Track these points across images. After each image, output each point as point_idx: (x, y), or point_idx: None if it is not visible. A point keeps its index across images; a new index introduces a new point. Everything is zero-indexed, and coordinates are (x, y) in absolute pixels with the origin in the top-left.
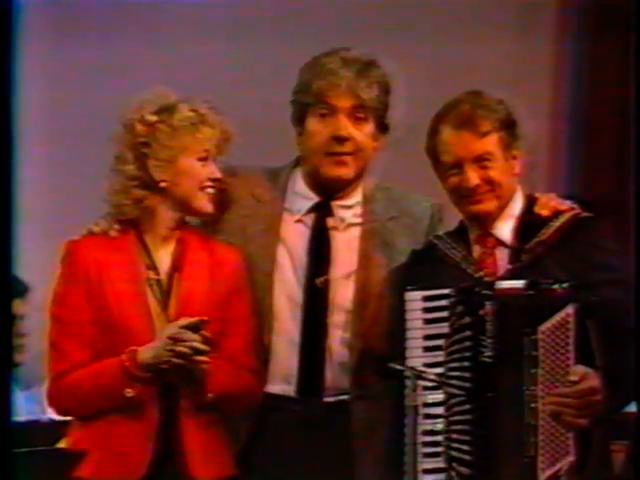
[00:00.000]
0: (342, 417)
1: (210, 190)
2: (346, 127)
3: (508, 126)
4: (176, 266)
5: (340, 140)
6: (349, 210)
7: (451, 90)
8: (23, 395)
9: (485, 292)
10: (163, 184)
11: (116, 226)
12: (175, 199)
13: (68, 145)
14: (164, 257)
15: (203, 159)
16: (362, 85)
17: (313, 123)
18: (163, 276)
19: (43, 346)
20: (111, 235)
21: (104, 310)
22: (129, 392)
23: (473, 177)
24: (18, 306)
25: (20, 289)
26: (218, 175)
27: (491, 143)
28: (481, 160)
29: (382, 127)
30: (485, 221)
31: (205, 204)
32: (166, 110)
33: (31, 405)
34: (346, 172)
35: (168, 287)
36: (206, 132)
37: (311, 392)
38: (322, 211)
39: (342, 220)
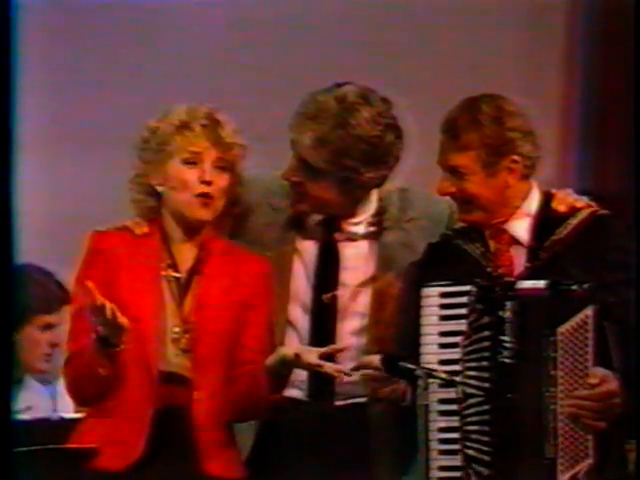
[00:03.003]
0: (352, 421)
1: (203, 195)
2: (293, 174)
3: (493, 147)
4: (197, 269)
5: (287, 181)
6: (358, 225)
7: (460, 90)
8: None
9: (506, 291)
10: (159, 188)
11: (144, 227)
12: (171, 204)
13: (69, 145)
14: (186, 259)
15: (190, 162)
16: (313, 145)
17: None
18: (183, 275)
19: None
20: (136, 232)
21: (116, 297)
22: (102, 371)
23: (443, 186)
24: (59, 317)
25: (64, 300)
26: (207, 177)
27: (468, 158)
28: (456, 172)
29: (351, 185)
30: (482, 227)
31: (197, 211)
32: (164, 115)
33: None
34: (302, 207)
35: (186, 285)
36: (190, 136)
37: (321, 396)
38: (330, 226)
39: (353, 234)
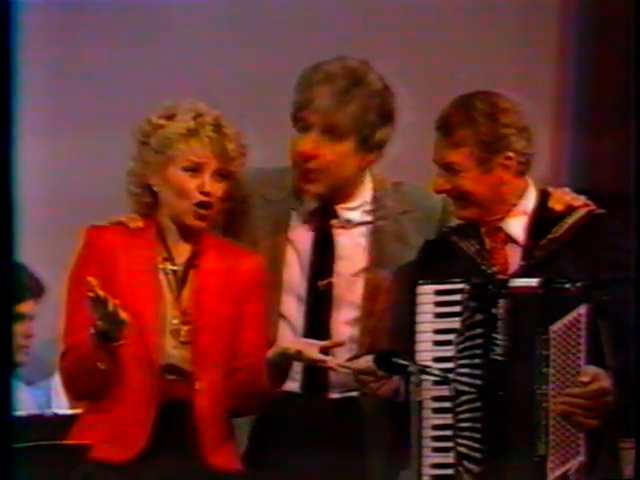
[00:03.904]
0: (347, 413)
1: (201, 204)
2: (314, 145)
3: (487, 143)
4: (192, 263)
5: (305, 157)
6: (355, 211)
7: (453, 87)
8: (27, 390)
9: (499, 289)
10: (155, 188)
11: (138, 222)
12: (168, 207)
13: (69, 143)
14: (181, 253)
15: (191, 170)
16: (337, 103)
17: (294, 136)
18: (179, 267)
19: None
20: (131, 227)
21: (114, 292)
22: (100, 365)
23: (438, 183)
24: (30, 307)
25: (35, 290)
26: (207, 188)
27: (462, 155)
28: (450, 169)
29: (366, 146)
30: (478, 224)
31: (193, 219)
32: (170, 117)
33: (36, 399)
34: (315, 188)
35: (183, 278)
36: (195, 145)
37: (316, 388)
38: (326, 213)
39: (349, 221)
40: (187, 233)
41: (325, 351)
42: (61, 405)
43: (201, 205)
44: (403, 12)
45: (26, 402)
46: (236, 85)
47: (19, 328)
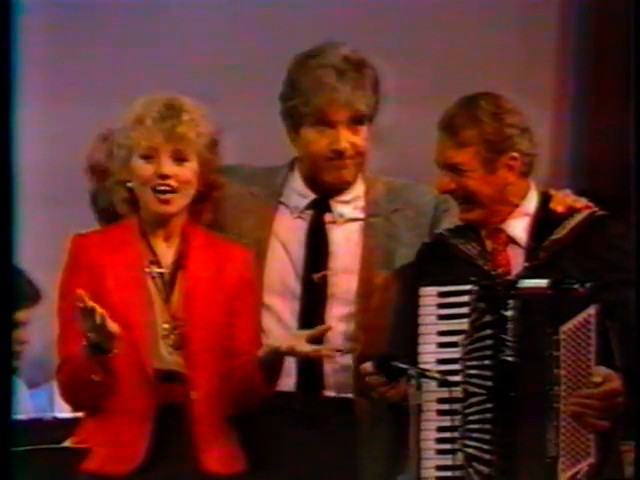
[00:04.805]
0: (342, 413)
1: (162, 188)
2: (346, 138)
3: (492, 143)
4: (180, 263)
5: (339, 152)
6: (348, 205)
7: (452, 88)
8: (29, 393)
9: (508, 290)
10: (129, 184)
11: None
12: (140, 199)
13: (68, 142)
14: (167, 253)
15: (147, 156)
16: (359, 96)
17: (311, 133)
18: (166, 270)
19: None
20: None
21: (105, 301)
22: (95, 377)
23: (442, 183)
24: (26, 314)
25: (32, 297)
26: (164, 171)
27: (467, 154)
28: (455, 169)
29: (371, 124)
30: (479, 226)
31: (158, 206)
32: (128, 108)
33: (38, 402)
34: (347, 174)
35: (171, 280)
36: (143, 130)
37: (311, 386)
38: (320, 207)
39: (341, 215)
40: (159, 224)
41: (315, 340)
42: (63, 408)
43: (162, 189)
44: (402, 12)
45: (27, 405)
46: (235, 83)
47: (15, 335)
